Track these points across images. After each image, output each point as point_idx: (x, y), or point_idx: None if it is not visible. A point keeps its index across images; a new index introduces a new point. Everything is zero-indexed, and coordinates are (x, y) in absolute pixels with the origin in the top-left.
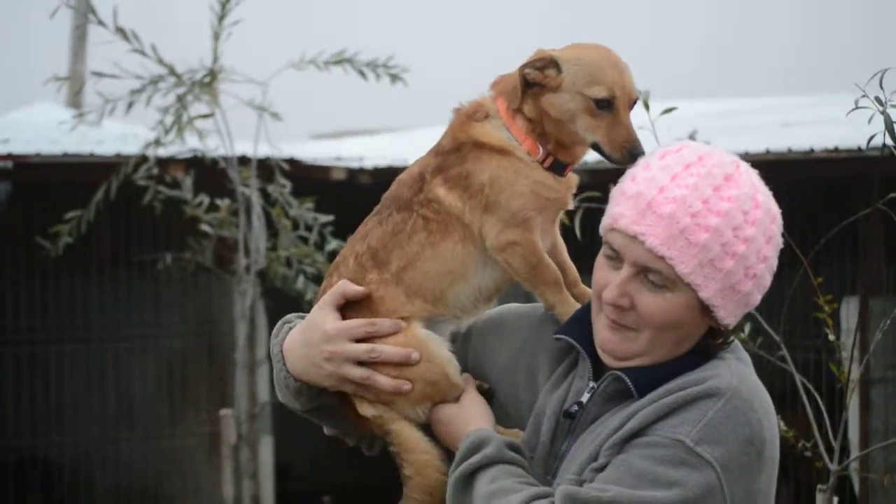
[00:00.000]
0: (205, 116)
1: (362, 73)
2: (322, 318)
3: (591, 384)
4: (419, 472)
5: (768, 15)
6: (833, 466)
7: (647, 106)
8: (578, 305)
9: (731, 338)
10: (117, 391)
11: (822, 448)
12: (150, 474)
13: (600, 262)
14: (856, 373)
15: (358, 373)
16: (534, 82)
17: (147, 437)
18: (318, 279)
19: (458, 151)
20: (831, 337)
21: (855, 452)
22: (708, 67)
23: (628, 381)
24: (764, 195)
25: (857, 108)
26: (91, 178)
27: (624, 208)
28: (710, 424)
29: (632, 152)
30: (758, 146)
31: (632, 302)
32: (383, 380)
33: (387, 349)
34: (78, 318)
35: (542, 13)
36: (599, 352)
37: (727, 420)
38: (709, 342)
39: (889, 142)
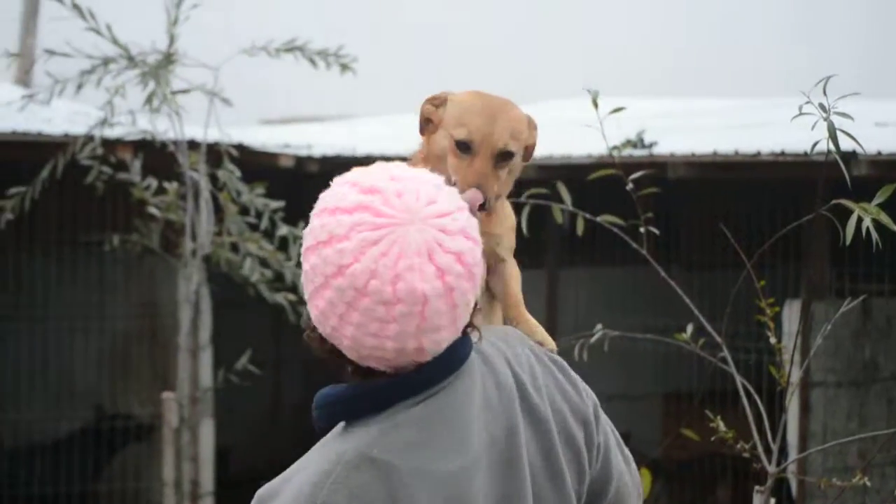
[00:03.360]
0: (184, 92)
1: (312, 62)
2: None
3: None
4: None
5: (719, 17)
6: (771, 468)
7: (595, 104)
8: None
9: None
10: (59, 371)
11: (760, 450)
12: (91, 455)
13: None
14: (796, 376)
15: None
16: (428, 119)
17: (88, 417)
18: (264, 264)
19: None
20: (773, 339)
21: (793, 455)
22: (660, 67)
23: None
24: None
25: (801, 114)
26: (39, 157)
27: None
28: None
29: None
30: (706, 148)
31: None
32: None
33: None
34: (22, 297)
35: (497, 4)
36: None
37: None
38: None
39: (832, 148)
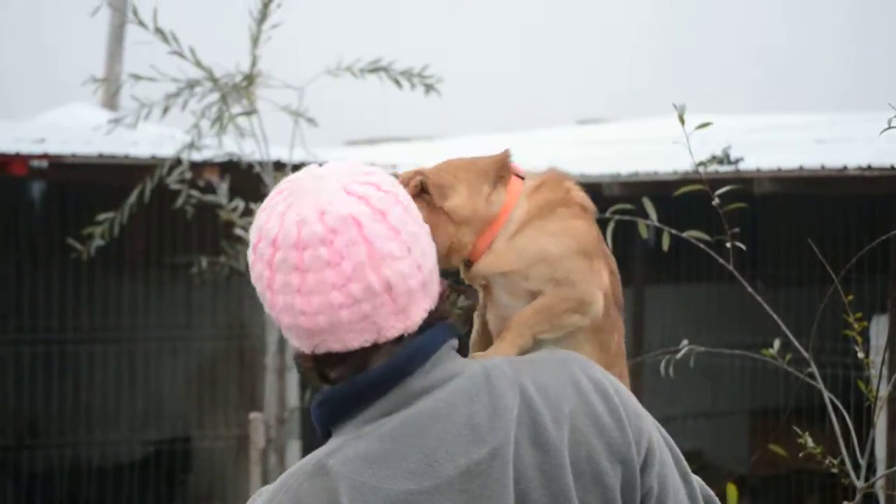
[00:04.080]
0: (247, 114)
1: (397, 82)
2: None
3: None
4: None
5: (805, 34)
6: (860, 484)
7: (682, 121)
8: None
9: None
10: (147, 392)
11: (848, 465)
12: (178, 476)
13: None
14: (884, 390)
15: None
16: None
17: (175, 438)
18: None
19: None
20: (860, 354)
21: (882, 470)
22: (744, 84)
23: None
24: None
25: (890, 127)
26: (125, 180)
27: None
28: None
29: None
30: (791, 163)
31: None
32: None
33: None
34: (110, 319)
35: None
36: None
37: None
38: None
39: None
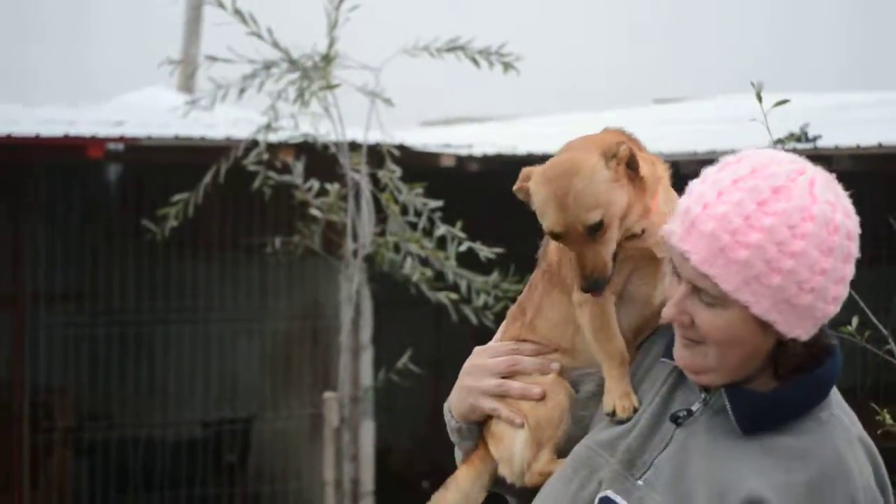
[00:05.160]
0: (329, 88)
1: (475, 61)
2: (475, 356)
3: (703, 395)
4: None
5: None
6: None
7: (759, 98)
8: (628, 387)
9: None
10: (222, 373)
11: None
12: (253, 455)
13: (668, 270)
14: None
15: (488, 405)
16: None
17: (249, 418)
18: (424, 263)
19: None
20: None
21: None
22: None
23: (727, 400)
24: (823, 206)
25: None
26: (201, 162)
27: (675, 224)
28: None
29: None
30: (870, 140)
31: (691, 318)
32: (514, 388)
33: (514, 385)
34: (185, 300)
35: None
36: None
37: None
38: (782, 357)
39: None
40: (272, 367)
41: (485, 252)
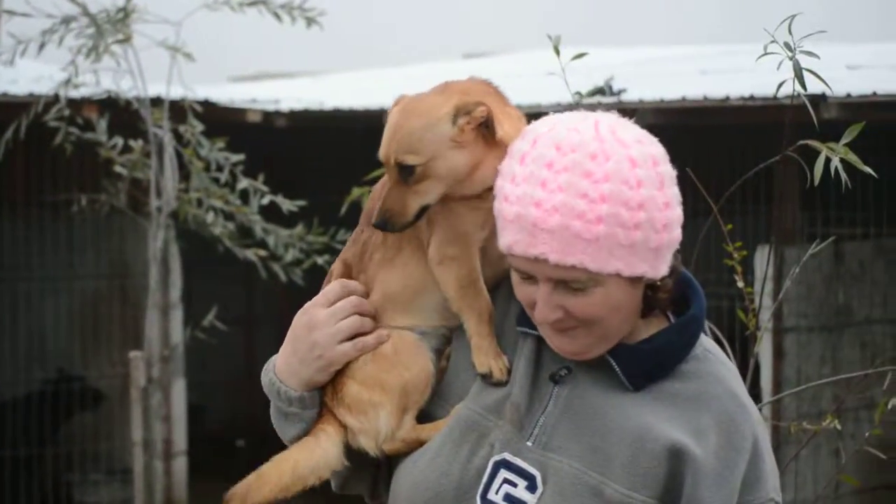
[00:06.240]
0: (122, 41)
1: (277, 16)
2: (306, 314)
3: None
4: None
5: None
6: None
7: (557, 52)
8: (494, 343)
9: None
10: (29, 332)
11: None
12: (64, 416)
13: (515, 279)
14: (764, 320)
15: (344, 348)
16: None
17: (60, 379)
18: (229, 218)
19: None
20: (740, 284)
21: (767, 399)
22: (624, 16)
23: (613, 362)
24: (636, 146)
25: (766, 53)
26: (3, 118)
27: (510, 235)
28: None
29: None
30: (674, 94)
31: (565, 310)
32: (369, 338)
33: (368, 338)
34: None
35: None
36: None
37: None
38: (651, 296)
39: (799, 88)
40: (81, 327)
41: (287, 205)
